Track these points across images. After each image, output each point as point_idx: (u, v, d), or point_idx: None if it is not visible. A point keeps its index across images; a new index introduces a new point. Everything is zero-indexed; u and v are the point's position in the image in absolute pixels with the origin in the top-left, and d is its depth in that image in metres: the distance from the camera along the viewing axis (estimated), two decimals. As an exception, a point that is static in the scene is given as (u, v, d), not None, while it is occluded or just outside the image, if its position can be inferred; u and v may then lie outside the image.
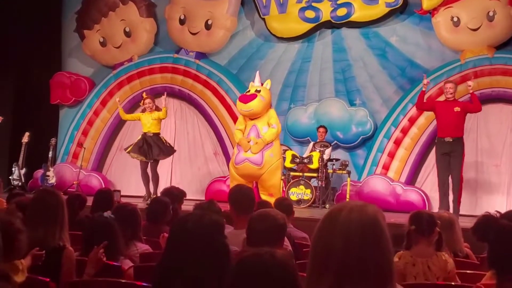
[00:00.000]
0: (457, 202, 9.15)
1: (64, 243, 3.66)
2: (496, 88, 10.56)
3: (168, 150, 10.80)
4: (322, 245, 1.79)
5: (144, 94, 11.05)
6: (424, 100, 9.55)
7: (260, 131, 9.14)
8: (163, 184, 11.93)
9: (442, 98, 9.74)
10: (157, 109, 10.67)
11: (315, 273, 1.79)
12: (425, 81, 9.46)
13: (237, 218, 4.75)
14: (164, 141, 10.77)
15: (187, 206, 6.37)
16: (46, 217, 3.77)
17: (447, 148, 9.10)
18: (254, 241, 3.39)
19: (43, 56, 13.35)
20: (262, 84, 9.46)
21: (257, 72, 9.89)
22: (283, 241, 3.57)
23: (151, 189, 10.64)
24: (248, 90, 9.50)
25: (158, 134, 10.66)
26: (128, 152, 10.69)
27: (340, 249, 1.75)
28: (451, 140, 9.07)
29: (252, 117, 9.22)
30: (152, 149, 10.50)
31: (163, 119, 10.75)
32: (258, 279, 1.89)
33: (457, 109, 9.07)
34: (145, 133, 10.63)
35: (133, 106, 13.01)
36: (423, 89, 9.42)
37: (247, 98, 9.19)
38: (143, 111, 10.82)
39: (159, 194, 7.62)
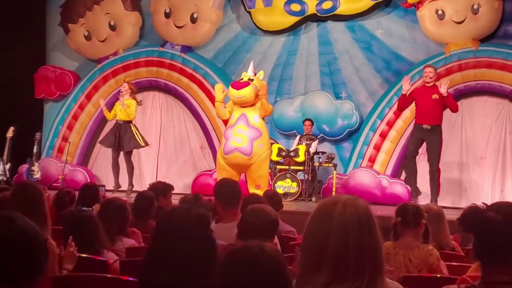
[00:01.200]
0: (436, 193, 9.16)
1: (45, 235, 3.62)
2: (480, 81, 10.61)
3: (136, 142, 10.56)
4: (318, 240, 1.80)
5: (126, 78, 10.99)
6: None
7: (249, 119, 9.04)
8: (149, 179, 11.95)
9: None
10: (134, 98, 10.56)
11: (310, 267, 1.80)
12: (405, 83, 9.25)
13: (223, 212, 4.75)
14: (135, 132, 10.58)
15: (172, 200, 6.35)
16: (26, 210, 3.72)
17: (424, 135, 9.11)
18: (246, 235, 3.39)
19: (27, 50, 13.24)
20: (255, 74, 9.36)
21: (251, 62, 9.81)
22: (274, 236, 3.58)
23: (127, 180, 10.60)
24: (241, 78, 9.35)
25: (129, 122, 10.54)
26: (100, 143, 10.66)
27: (337, 243, 1.76)
28: (429, 127, 9.06)
29: (243, 104, 9.05)
30: (123, 139, 10.39)
31: (131, 116, 10.51)
32: (247, 272, 1.89)
33: (435, 96, 8.98)
34: (117, 121, 10.57)
35: (118, 100, 12.94)
36: (403, 92, 9.27)
37: (239, 85, 9.02)
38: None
39: (139, 187, 7.64)
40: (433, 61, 10.86)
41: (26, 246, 1.85)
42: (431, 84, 9.13)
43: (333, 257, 1.76)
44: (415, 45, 11.37)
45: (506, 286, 2.05)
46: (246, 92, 8.92)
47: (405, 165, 9.43)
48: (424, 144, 9.31)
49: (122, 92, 10.67)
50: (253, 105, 9.04)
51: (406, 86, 9.25)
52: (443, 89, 8.93)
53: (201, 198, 4.95)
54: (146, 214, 5.28)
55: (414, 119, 9.39)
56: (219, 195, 4.79)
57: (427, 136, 9.10)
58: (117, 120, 10.58)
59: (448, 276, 3.77)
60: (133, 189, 10.65)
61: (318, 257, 1.79)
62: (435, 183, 9.20)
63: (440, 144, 9.16)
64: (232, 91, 9.04)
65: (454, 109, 9.24)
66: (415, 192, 9.37)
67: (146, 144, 10.86)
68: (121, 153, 10.66)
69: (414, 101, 9.26)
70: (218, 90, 9.34)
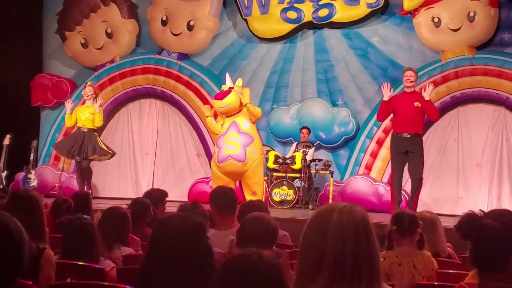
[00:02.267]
0: (413, 203, 8.52)
1: (43, 245, 3.59)
2: (476, 88, 10.63)
3: (103, 152, 10.19)
4: (315, 247, 1.80)
5: (88, 82, 10.66)
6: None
7: (240, 126, 9.01)
8: (145, 187, 11.94)
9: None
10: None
11: (307, 274, 1.80)
12: (386, 89, 8.58)
13: (219, 220, 4.74)
14: (100, 142, 10.27)
15: (170, 208, 6.34)
16: (22, 218, 3.65)
17: (404, 146, 8.37)
18: (245, 243, 3.38)
19: (24, 57, 13.24)
20: (233, 84, 9.33)
21: (227, 73, 9.69)
22: (273, 245, 3.57)
23: (85, 188, 10.21)
24: (222, 90, 9.27)
25: (93, 130, 10.22)
26: (55, 148, 10.18)
27: (334, 250, 1.76)
28: (409, 136, 8.35)
29: (230, 113, 9.00)
30: (86, 148, 9.99)
31: (98, 123, 10.17)
32: (246, 280, 1.89)
33: (417, 104, 8.32)
34: (79, 128, 10.18)
35: (115, 107, 12.97)
36: (384, 98, 8.60)
37: (222, 95, 8.98)
38: (83, 103, 10.27)
39: (135, 195, 7.60)
40: (430, 69, 10.91)
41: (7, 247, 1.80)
42: (412, 89, 8.53)
43: (330, 264, 1.77)
44: (411, 52, 11.40)
45: (503, 293, 2.05)
46: (231, 99, 8.89)
47: (394, 186, 8.61)
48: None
49: (87, 96, 10.21)
50: (240, 111, 9.00)
51: (387, 92, 8.56)
52: (427, 92, 8.34)
53: (200, 205, 4.94)
54: (140, 221, 5.25)
55: (392, 129, 8.79)
56: (215, 203, 4.79)
57: (408, 146, 8.34)
58: (79, 127, 10.16)
59: (446, 284, 3.76)
60: (122, 196, 10.59)
61: (315, 264, 1.79)
62: (415, 194, 8.54)
63: (422, 154, 8.52)
64: (216, 102, 9.01)
65: (435, 117, 8.63)
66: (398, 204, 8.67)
67: (113, 153, 10.53)
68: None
69: (393, 109, 8.55)
70: (206, 109, 9.41)
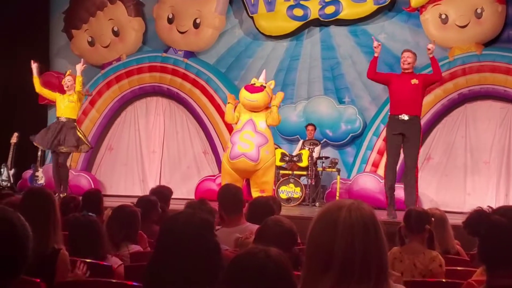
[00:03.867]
0: (415, 196, 8.03)
1: (58, 246, 3.56)
2: (484, 85, 10.60)
3: (79, 142, 9.46)
4: (323, 245, 1.79)
5: (68, 71, 10.05)
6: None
7: (256, 125, 9.02)
8: (152, 184, 11.95)
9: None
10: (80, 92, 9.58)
11: (315, 272, 1.80)
12: (375, 43, 8.14)
13: (227, 218, 4.75)
14: (80, 131, 9.63)
15: (176, 206, 6.35)
16: (38, 218, 3.55)
17: (400, 128, 7.82)
18: (264, 242, 3.35)
19: (31, 56, 13.24)
20: (266, 83, 9.34)
21: (264, 70, 9.73)
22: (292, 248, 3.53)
23: (61, 187, 9.46)
24: (253, 82, 9.24)
25: (74, 120, 9.60)
26: (34, 140, 9.61)
27: (343, 248, 1.76)
28: (406, 118, 7.82)
29: (253, 109, 9.01)
30: (64, 137, 9.34)
31: (81, 97, 9.57)
32: (254, 277, 1.89)
33: (414, 81, 7.82)
34: (58, 118, 9.61)
35: (122, 105, 12.99)
36: (375, 54, 8.07)
37: (254, 89, 8.98)
38: (63, 92, 9.71)
39: (142, 193, 7.56)
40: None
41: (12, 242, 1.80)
42: (410, 71, 7.99)
43: (339, 262, 1.77)
44: (418, 49, 11.25)
45: (511, 290, 2.05)
46: (260, 97, 8.92)
47: (386, 176, 8.13)
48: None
49: (67, 86, 9.61)
50: (261, 111, 9.04)
51: (375, 44, 8.16)
52: (431, 45, 7.94)
53: (207, 203, 4.95)
54: (148, 218, 5.26)
55: (389, 111, 8.23)
56: (222, 202, 4.80)
57: (404, 129, 7.78)
58: (58, 117, 9.60)
59: (452, 281, 3.76)
60: (129, 194, 10.48)
61: (324, 262, 1.79)
62: (412, 189, 8.01)
63: (420, 138, 7.94)
64: (245, 93, 8.99)
65: (437, 74, 7.99)
66: (392, 214, 8.02)
67: (91, 146, 10.03)
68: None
69: (389, 89, 8.08)
70: (230, 97, 9.35)
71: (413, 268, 4.00)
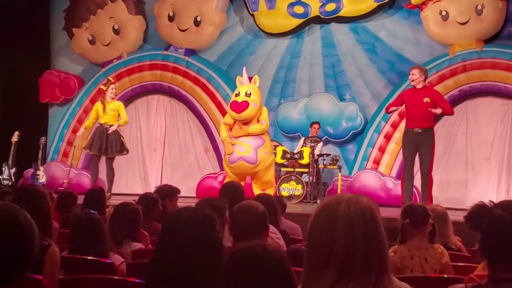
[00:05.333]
0: (427, 198, 8.65)
1: (49, 242, 3.53)
2: (485, 82, 10.60)
3: (121, 148, 10.20)
4: (324, 240, 1.79)
5: (110, 78, 10.63)
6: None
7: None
8: (154, 183, 11.98)
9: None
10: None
11: (316, 267, 1.79)
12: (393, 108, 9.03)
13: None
14: (122, 137, 10.27)
15: (178, 204, 6.35)
16: (29, 213, 3.58)
17: (415, 139, 8.68)
18: (239, 234, 3.38)
19: (32, 54, 13.28)
20: (250, 79, 9.32)
21: (244, 68, 9.68)
22: (266, 232, 3.56)
23: (106, 186, 10.12)
24: (237, 92, 9.14)
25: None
26: (84, 148, 10.29)
27: (344, 242, 1.76)
28: (420, 130, 8.64)
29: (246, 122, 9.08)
30: (110, 144, 10.00)
31: (124, 123, 10.24)
32: (251, 272, 1.89)
33: (426, 99, 8.56)
34: (101, 125, 10.18)
35: (123, 103, 12.97)
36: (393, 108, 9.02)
37: (239, 108, 8.92)
38: (102, 100, 10.24)
39: (143, 191, 7.58)
40: (438, 62, 10.87)
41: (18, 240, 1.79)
42: (421, 85, 8.72)
43: (340, 256, 1.76)
44: (419, 46, 11.36)
45: (513, 284, 2.05)
46: (247, 115, 8.94)
47: (404, 176, 8.90)
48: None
49: (108, 96, 10.17)
50: (254, 120, 9.09)
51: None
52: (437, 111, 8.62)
53: (218, 199, 4.89)
54: (149, 216, 5.25)
55: (405, 126, 9.02)
56: (224, 199, 4.79)
57: (419, 139, 8.65)
58: (101, 123, 10.15)
59: (455, 276, 3.77)
60: (131, 192, 10.61)
61: (324, 256, 1.79)
62: (425, 189, 8.75)
63: (432, 148, 8.72)
64: (232, 114, 9.02)
65: (449, 112, 8.87)
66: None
67: (127, 151, 10.51)
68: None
69: (404, 104, 8.87)
70: (223, 130, 9.29)
71: (424, 264, 4.00)
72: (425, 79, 8.82)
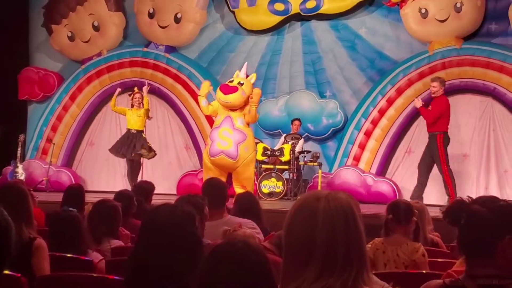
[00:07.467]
0: (449, 190, 9.30)
1: (34, 234, 3.58)
2: (464, 79, 10.67)
3: (148, 149, 10.81)
4: (304, 237, 1.79)
5: (135, 89, 11.06)
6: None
7: (234, 123, 9.06)
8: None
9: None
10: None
11: (297, 264, 1.79)
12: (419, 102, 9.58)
13: (210, 211, 4.74)
14: (147, 141, 10.84)
15: (158, 201, 6.32)
16: (10, 210, 3.61)
17: (428, 142, 9.41)
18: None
19: (10, 51, 13.16)
20: (247, 76, 9.37)
21: (245, 63, 9.83)
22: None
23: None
24: (231, 79, 9.35)
25: (141, 131, 10.77)
26: (111, 151, 10.92)
27: (325, 238, 1.76)
28: (428, 134, 9.37)
29: (228, 108, 9.13)
30: (135, 145, 10.59)
31: (148, 114, 10.82)
32: (232, 268, 1.89)
33: (429, 107, 9.36)
34: (128, 130, 10.76)
35: (102, 100, 12.92)
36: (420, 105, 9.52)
37: (228, 89, 9.05)
38: (131, 106, 10.86)
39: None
40: (417, 60, 10.93)
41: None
42: (435, 95, 9.38)
43: (321, 252, 1.76)
44: (398, 43, 11.42)
45: (490, 279, 2.06)
46: (232, 98, 8.99)
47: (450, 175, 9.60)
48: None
49: (138, 102, 10.79)
50: (240, 108, 9.07)
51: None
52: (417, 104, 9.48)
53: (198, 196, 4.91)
54: (126, 213, 5.22)
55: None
56: (207, 195, 4.79)
57: (429, 143, 9.37)
58: (129, 129, 10.78)
59: (433, 272, 3.78)
60: (111, 190, 10.63)
61: (305, 253, 1.78)
62: (448, 190, 9.39)
63: (437, 151, 9.24)
64: (219, 94, 9.11)
65: (427, 120, 9.43)
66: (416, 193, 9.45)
67: (155, 153, 10.99)
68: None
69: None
70: (204, 86, 9.47)
71: (396, 259, 4.02)
72: (443, 89, 9.38)
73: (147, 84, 11.34)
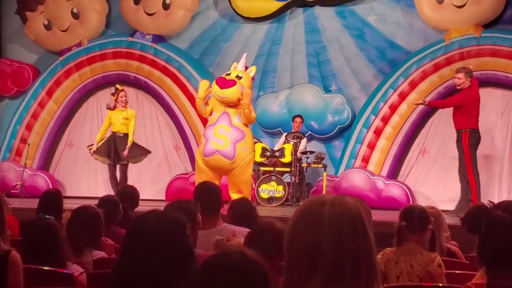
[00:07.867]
0: (471, 192, 9.12)
1: (8, 247, 3.56)
2: (484, 71, 10.66)
3: (140, 151, 10.66)
4: (308, 246, 1.79)
5: (118, 86, 10.91)
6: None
7: (232, 119, 9.03)
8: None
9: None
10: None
11: (300, 275, 1.79)
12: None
13: (203, 218, 4.74)
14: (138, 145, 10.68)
15: (144, 208, 6.32)
16: None
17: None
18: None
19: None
20: (246, 69, 9.35)
21: (245, 54, 9.80)
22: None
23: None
24: (228, 72, 9.32)
25: (127, 134, 10.53)
26: (94, 155, 10.65)
27: (331, 247, 1.77)
28: (456, 132, 9.35)
29: (225, 104, 9.09)
30: (119, 152, 10.38)
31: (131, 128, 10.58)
32: (228, 281, 1.89)
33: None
34: (114, 133, 10.53)
35: (83, 96, 12.93)
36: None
37: (225, 83, 8.99)
38: (113, 107, 10.61)
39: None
40: (432, 50, 10.94)
41: None
42: (460, 87, 9.30)
43: (327, 262, 1.77)
44: (411, 32, 11.42)
45: (514, 292, 2.06)
46: (230, 93, 8.94)
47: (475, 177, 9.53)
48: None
49: (119, 104, 10.54)
50: (237, 104, 9.05)
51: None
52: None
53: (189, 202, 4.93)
54: (111, 221, 5.23)
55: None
56: (199, 201, 4.78)
57: (456, 141, 9.33)
58: (114, 132, 10.53)
59: (451, 285, 3.79)
60: (93, 195, 10.66)
61: (310, 262, 1.79)
62: (470, 193, 9.15)
63: (462, 150, 9.21)
64: (215, 88, 9.03)
65: (443, 107, 9.67)
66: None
67: (147, 152, 10.86)
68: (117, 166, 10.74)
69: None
70: (202, 86, 9.34)
71: (410, 270, 4.02)
72: (470, 81, 9.26)
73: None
